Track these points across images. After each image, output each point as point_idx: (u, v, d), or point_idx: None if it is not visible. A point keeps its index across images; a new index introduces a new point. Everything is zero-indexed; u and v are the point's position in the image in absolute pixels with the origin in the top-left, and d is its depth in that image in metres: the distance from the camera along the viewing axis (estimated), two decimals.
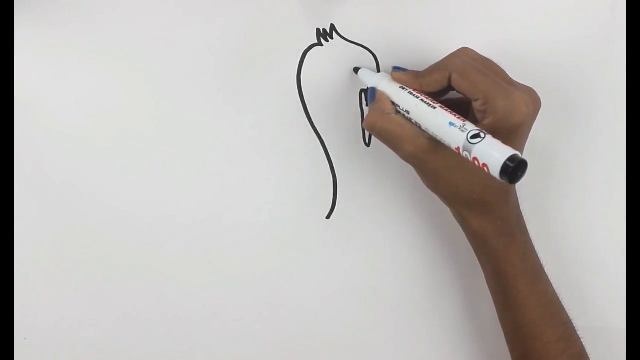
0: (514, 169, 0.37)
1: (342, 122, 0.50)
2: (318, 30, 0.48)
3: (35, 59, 0.45)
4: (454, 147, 0.41)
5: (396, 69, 0.47)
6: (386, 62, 0.49)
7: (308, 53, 0.48)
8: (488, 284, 0.50)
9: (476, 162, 0.39)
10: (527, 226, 0.48)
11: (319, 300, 0.53)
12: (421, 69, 0.47)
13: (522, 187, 0.47)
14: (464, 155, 0.40)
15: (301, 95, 0.49)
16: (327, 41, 0.48)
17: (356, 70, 0.49)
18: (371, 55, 0.49)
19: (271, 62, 0.48)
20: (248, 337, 0.52)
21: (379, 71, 0.49)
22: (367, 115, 0.46)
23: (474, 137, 0.39)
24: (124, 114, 0.47)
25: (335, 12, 0.48)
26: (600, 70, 0.52)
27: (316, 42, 0.48)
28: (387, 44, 0.49)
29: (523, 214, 0.48)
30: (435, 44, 0.50)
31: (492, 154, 0.38)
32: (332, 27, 0.48)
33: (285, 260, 0.52)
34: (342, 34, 0.49)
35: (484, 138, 0.39)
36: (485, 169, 0.38)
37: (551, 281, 0.49)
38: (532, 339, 0.48)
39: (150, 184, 0.48)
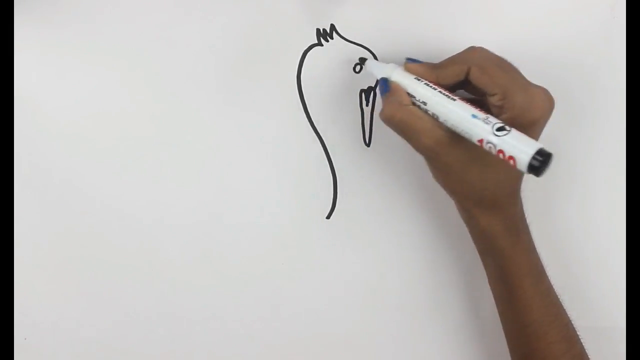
0: (542, 163, 0.37)
1: (342, 122, 0.50)
2: (318, 30, 0.48)
3: (35, 59, 0.45)
4: (475, 140, 0.40)
5: (410, 60, 0.46)
6: (386, 62, 0.49)
7: (308, 53, 0.48)
8: (491, 284, 0.50)
9: (501, 155, 0.39)
10: (530, 225, 0.48)
11: (319, 300, 0.53)
12: None
13: (524, 187, 0.47)
14: (487, 147, 0.39)
15: (301, 95, 0.49)
16: (327, 41, 0.48)
17: (361, 60, 0.48)
18: (371, 56, 0.49)
19: (271, 62, 0.48)
20: (248, 337, 0.52)
21: None
22: (384, 107, 0.45)
23: (499, 129, 0.39)
24: (124, 114, 0.47)
25: (335, 12, 0.48)
26: (600, 69, 0.52)
27: (316, 42, 0.48)
28: (387, 44, 0.49)
29: (525, 214, 0.48)
30: (435, 44, 0.50)
31: (520, 147, 0.38)
32: (332, 27, 0.48)
33: (285, 260, 0.51)
34: (342, 34, 0.49)
35: (509, 131, 0.39)
36: (512, 161, 0.38)
37: (553, 281, 0.49)
38: (536, 339, 0.48)
39: (150, 183, 0.48)
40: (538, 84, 0.45)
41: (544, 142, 0.51)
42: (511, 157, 0.38)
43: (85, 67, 0.46)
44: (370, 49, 0.49)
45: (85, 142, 0.47)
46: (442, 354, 0.55)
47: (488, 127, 0.39)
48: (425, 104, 0.43)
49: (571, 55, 0.52)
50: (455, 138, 0.42)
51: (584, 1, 0.51)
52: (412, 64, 0.45)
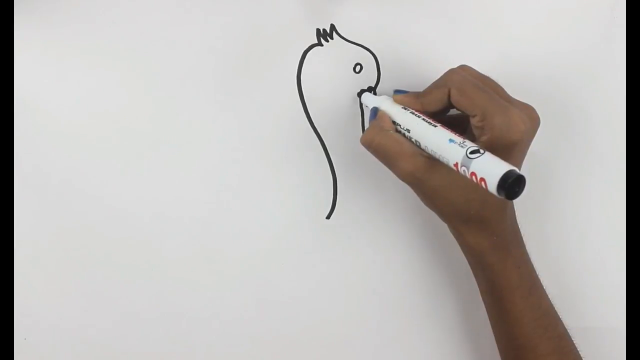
0: (511, 184, 0.37)
1: (342, 122, 0.50)
2: (318, 30, 0.48)
3: (35, 59, 0.45)
4: (452, 163, 0.41)
5: (397, 91, 0.48)
6: (386, 62, 0.50)
7: (308, 53, 0.48)
8: (483, 298, 0.50)
9: (474, 178, 0.39)
10: (528, 227, 0.48)
11: (318, 300, 0.53)
12: (421, 69, 0.47)
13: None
14: (462, 170, 0.40)
15: (301, 95, 0.49)
16: (327, 41, 0.48)
17: (359, 94, 0.49)
18: (371, 55, 0.49)
19: (271, 62, 0.48)
20: (248, 337, 0.52)
21: (378, 72, 0.50)
22: (365, 132, 0.46)
23: (472, 152, 0.39)
24: (124, 113, 0.47)
25: (335, 12, 0.48)
26: (600, 70, 0.52)
27: (316, 42, 0.48)
28: (387, 44, 0.49)
29: (523, 213, 0.48)
30: (434, 44, 0.50)
31: (489, 168, 0.38)
32: (332, 27, 0.48)
33: (285, 260, 0.52)
34: (342, 34, 0.49)
35: (482, 154, 0.39)
36: (483, 184, 0.38)
37: (552, 282, 0.49)
38: (526, 352, 0.48)
39: (150, 183, 0.48)
40: (524, 102, 0.45)
41: (544, 145, 0.51)
42: (482, 179, 0.38)
43: (85, 67, 0.46)
44: (370, 49, 0.49)
45: (86, 142, 0.47)
46: (441, 354, 0.56)
47: (462, 151, 0.40)
48: (409, 131, 0.44)
49: (571, 56, 0.52)
50: (436, 163, 0.43)
51: (584, 2, 0.51)
52: (398, 95, 0.47)
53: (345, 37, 0.49)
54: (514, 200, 0.47)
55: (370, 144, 0.45)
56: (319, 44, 0.48)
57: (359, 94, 0.50)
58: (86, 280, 0.49)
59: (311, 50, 0.48)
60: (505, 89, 0.46)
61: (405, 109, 0.45)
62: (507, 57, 0.49)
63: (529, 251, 0.48)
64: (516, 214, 0.48)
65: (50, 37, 0.45)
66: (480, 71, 0.46)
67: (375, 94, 0.50)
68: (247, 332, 0.52)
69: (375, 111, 0.47)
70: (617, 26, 0.51)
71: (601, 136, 0.54)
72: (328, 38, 0.48)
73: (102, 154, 0.47)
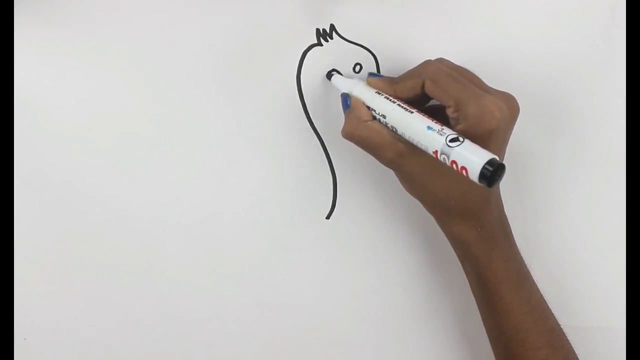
0: (493, 173, 0.37)
1: (342, 122, 0.50)
2: (318, 30, 0.48)
3: (35, 59, 0.45)
4: (431, 151, 0.40)
5: (372, 74, 0.47)
6: (386, 62, 0.50)
7: (308, 53, 0.48)
8: (472, 290, 0.50)
9: (454, 166, 0.39)
10: (527, 226, 0.48)
11: (318, 300, 0.53)
12: None
13: (522, 186, 0.47)
14: (442, 158, 0.40)
15: (301, 95, 0.49)
16: (327, 41, 0.48)
17: (329, 75, 0.48)
18: (371, 55, 0.49)
19: (271, 62, 0.48)
20: (248, 337, 0.52)
21: (378, 71, 0.50)
22: (345, 124, 0.46)
23: (452, 140, 0.39)
24: (124, 114, 0.47)
25: (335, 12, 0.48)
26: (600, 70, 0.52)
27: (316, 42, 0.48)
28: (387, 44, 0.49)
29: (523, 213, 0.48)
30: (434, 44, 0.50)
31: (470, 157, 0.38)
32: (332, 27, 0.48)
33: (285, 260, 0.52)
34: (342, 34, 0.49)
35: (462, 142, 0.39)
36: (464, 172, 0.38)
37: (551, 281, 0.49)
38: (515, 345, 0.48)
39: (150, 184, 0.48)
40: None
41: (543, 145, 0.51)
42: (463, 168, 0.38)
43: (85, 67, 0.46)
44: (370, 49, 0.49)
45: (85, 142, 0.47)
46: (441, 354, 0.56)
47: (442, 139, 0.40)
48: (384, 117, 0.44)
49: (571, 56, 0.52)
50: (415, 149, 0.43)
51: (584, 3, 0.51)
52: (372, 79, 0.46)
53: (345, 37, 0.49)
54: (502, 196, 0.47)
55: (351, 137, 0.45)
56: (319, 44, 0.48)
57: (328, 76, 0.48)
58: (86, 280, 0.49)
59: (311, 50, 0.48)
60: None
61: (380, 93, 0.45)
62: (506, 57, 0.49)
63: (528, 251, 0.48)
64: (515, 214, 0.48)
65: (50, 37, 0.45)
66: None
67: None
68: (247, 332, 0.52)
69: (346, 97, 0.46)
70: (617, 26, 0.51)
71: (601, 136, 0.54)
72: (328, 38, 0.48)
73: (102, 154, 0.47)
